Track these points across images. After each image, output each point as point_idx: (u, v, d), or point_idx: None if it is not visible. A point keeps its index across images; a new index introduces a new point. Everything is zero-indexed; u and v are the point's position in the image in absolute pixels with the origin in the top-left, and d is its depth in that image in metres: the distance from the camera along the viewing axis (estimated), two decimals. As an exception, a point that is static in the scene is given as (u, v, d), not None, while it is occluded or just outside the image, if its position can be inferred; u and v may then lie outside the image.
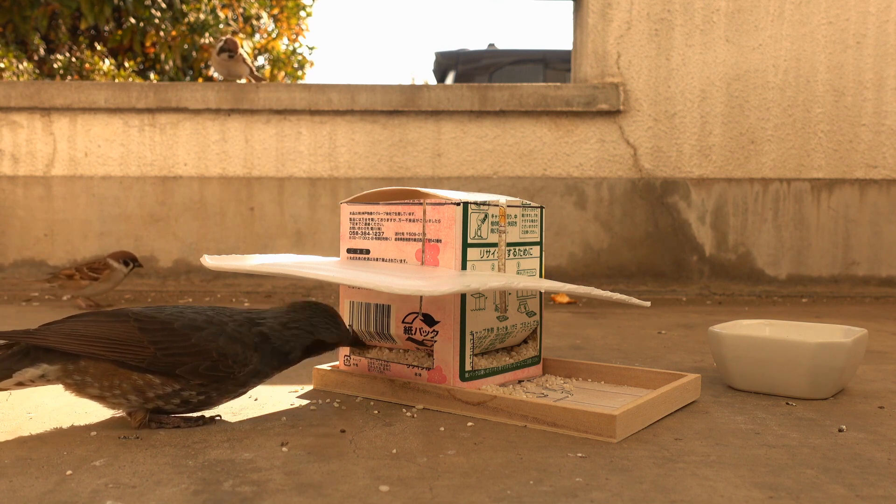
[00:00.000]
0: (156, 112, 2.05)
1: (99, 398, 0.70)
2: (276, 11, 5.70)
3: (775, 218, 2.07)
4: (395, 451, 0.66)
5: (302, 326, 0.76)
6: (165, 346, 0.69)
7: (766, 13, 2.05)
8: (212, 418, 0.74)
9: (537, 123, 2.06)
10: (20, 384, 0.69)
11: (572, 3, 2.21)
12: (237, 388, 0.73)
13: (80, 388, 0.69)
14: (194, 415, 0.74)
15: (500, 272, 0.85)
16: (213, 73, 4.91)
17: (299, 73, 5.96)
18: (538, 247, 0.91)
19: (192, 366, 0.69)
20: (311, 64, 5.96)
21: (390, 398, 0.83)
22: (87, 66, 3.68)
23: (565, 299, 1.88)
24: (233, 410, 0.79)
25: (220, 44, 2.07)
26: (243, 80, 2.10)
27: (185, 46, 4.47)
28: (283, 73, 5.73)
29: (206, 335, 0.70)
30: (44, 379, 0.69)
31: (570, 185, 2.06)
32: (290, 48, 5.84)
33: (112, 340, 0.68)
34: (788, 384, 0.86)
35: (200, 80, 4.80)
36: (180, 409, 0.71)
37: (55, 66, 3.88)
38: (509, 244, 0.86)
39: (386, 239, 0.86)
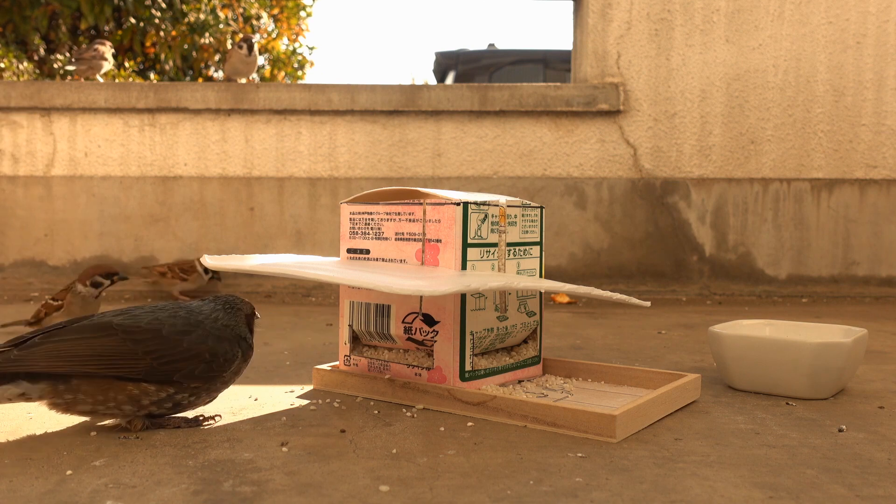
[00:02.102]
0: (156, 112, 2.05)
1: (91, 413, 0.68)
2: (276, 11, 5.70)
3: (775, 218, 2.07)
4: (395, 451, 0.66)
5: (232, 305, 0.76)
6: (159, 354, 0.68)
7: (766, 13, 2.05)
8: (212, 417, 0.74)
9: (537, 123, 2.06)
10: None
11: (572, 3, 2.21)
12: (222, 386, 0.74)
13: (69, 407, 0.68)
14: (192, 415, 0.74)
15: (500, 272, 0.85)
16: (213, 73, 4.91)
17: (299, 73, 5.95)
18: (538, 247, 0.91)
19: (187, 370, 0.69)
20: (311, 64, 5.95)
21: (390, 398, 0.83)
22: (87, 65, 3.68)
23: (565, 299, 1.88)
24: (233, 410, 0.79)
25: (241, 38, 2.08)
26: (244, 80, 2.10)
27: (185, 46, 4.46)
28: (283, 74, 5.72)
29: (195, 338, 0.70)
30: (24, 397, 0.66)
31: (570, 185, 2.06)
32: (290, 48, 5.83)
33: (105, 357, 0.67)
34: (788, 384, 0.86)
35: (200, 80, 4.79)
36: (171, 411, 0.71)
37: (55, 66, 3.88)
38: (509, 244, 0.86)
39: (386, 239, 0.86)
